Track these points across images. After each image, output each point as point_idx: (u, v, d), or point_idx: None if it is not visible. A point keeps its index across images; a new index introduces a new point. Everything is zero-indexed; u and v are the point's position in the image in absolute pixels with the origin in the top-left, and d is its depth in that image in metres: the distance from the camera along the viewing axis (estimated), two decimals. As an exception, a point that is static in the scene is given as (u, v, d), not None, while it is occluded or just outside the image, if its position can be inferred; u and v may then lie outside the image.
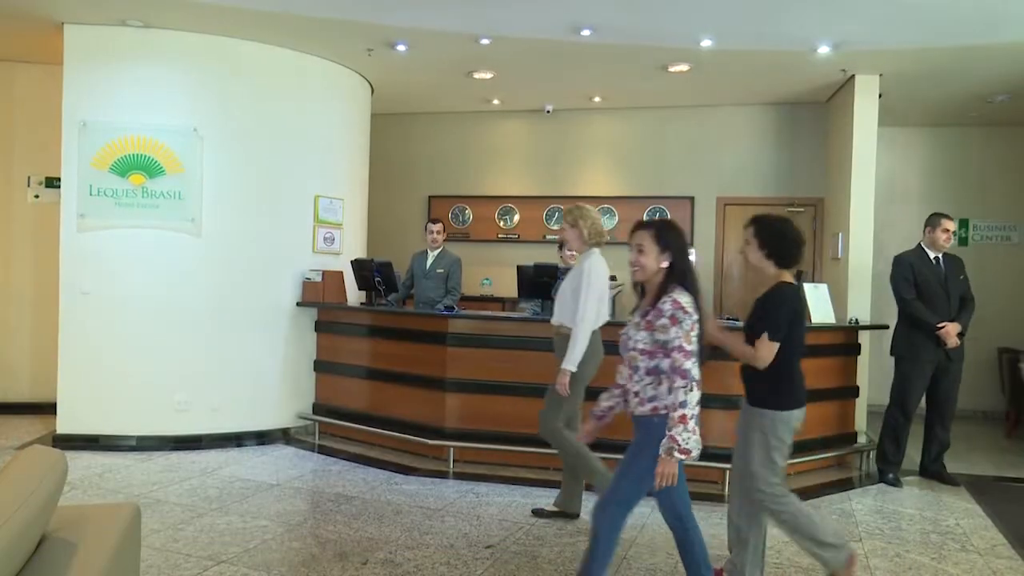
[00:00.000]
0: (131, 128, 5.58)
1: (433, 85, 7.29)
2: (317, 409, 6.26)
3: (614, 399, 2.91)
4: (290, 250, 6.12)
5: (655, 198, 7.95)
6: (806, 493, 4.91)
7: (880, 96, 6.39)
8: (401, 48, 5.98)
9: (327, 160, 6.42)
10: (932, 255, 5.17)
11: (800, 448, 5.26)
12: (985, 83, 6.47)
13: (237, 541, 3.76)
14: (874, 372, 6.23)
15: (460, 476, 5.08)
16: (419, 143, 8.66)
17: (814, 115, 7.52)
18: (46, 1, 5.15)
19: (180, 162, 5.66)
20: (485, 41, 5.80)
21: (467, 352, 5.38)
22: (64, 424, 5.57)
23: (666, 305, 2.65)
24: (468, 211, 8.51)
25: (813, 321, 5.44)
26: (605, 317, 4.12)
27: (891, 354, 5.28)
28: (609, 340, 3.86)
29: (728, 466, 3.32)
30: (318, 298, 6.11)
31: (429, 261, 6.14)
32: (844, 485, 5.17)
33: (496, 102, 7.93)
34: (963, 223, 7.87)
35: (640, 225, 2.84)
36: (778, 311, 3.05)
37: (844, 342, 5.72)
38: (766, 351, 3.01)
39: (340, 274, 6.28)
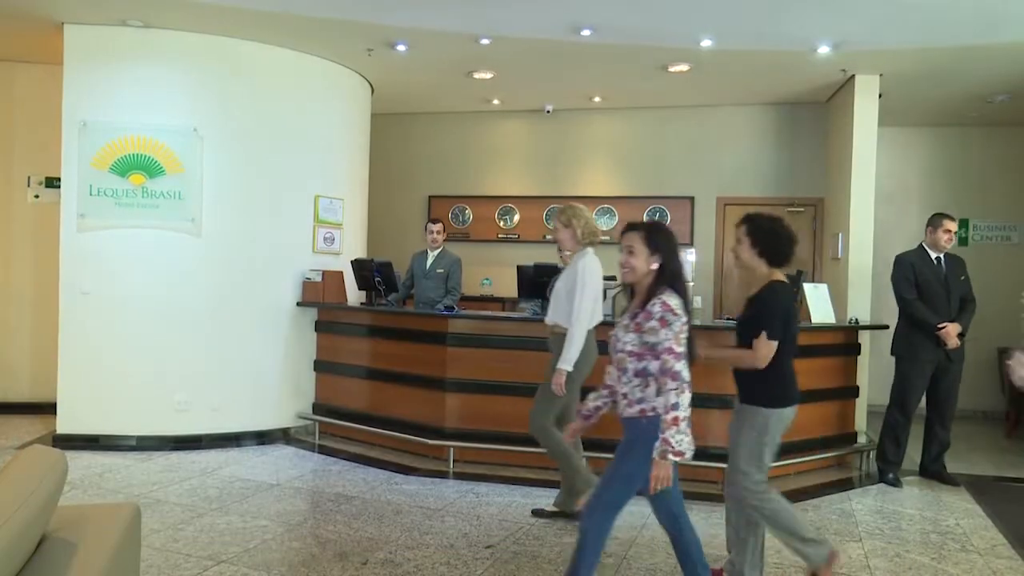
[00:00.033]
0: (131, 128, 5.58)
1: (433, 85, 7.29)
2: (317, 409, 6.26)
3: (602, 399, 2.92)
4: (290, 250, 6.12)
5: (655, 198, 7.95)
6: (806, 493, 4.91)
7: (880, 96, 6.39)
8: (401, 48, 5.99)
9: (327, 160, 6.42)
10: (934, 255, 5.17)
11: (800, 448, 5.29)
12: (985, 83, 6.47)
13: (237, 541, 3.76)
14: (874, 372, 6.23)
15: (460, 476, 5.08)
16: (419, 143, 8.66)
17: (814, 115, 7.52)
18: (46, 1, 5.15)
19: (180, 162, 5.66)
20: (485, 41, 5.80)
21: (467, 352, 5.38)
22: (64, 424, 5.57)
23: (655, 307, 2.65)
24: (468, 211, 8.51)
25: (813, 321, 5.45)
26: (600, 317, 4.12)
27: (891, 354, 5.29)
28: (604, 340, 3.86)
29: (726, 466, 3.33)
30: (318, 298, 6.11)
31: (429, 261, 6.14)
32: (844, 485, 5.17)
33: (496, 102, 7.93)
34: (963, 223, 7.87)
35: (631, 226, 2.84)
36: (774, 310, 3.06)
37: (844, 342, 5.72)
38: (766, 350, 3.02)
39: (340, 274, 6.29)
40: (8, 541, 1.54)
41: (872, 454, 5.56)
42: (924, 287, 5.10)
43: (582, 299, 3.93)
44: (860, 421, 5.97)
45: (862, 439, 5.91)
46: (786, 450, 5.16)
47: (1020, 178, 7.92)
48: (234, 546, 3.69)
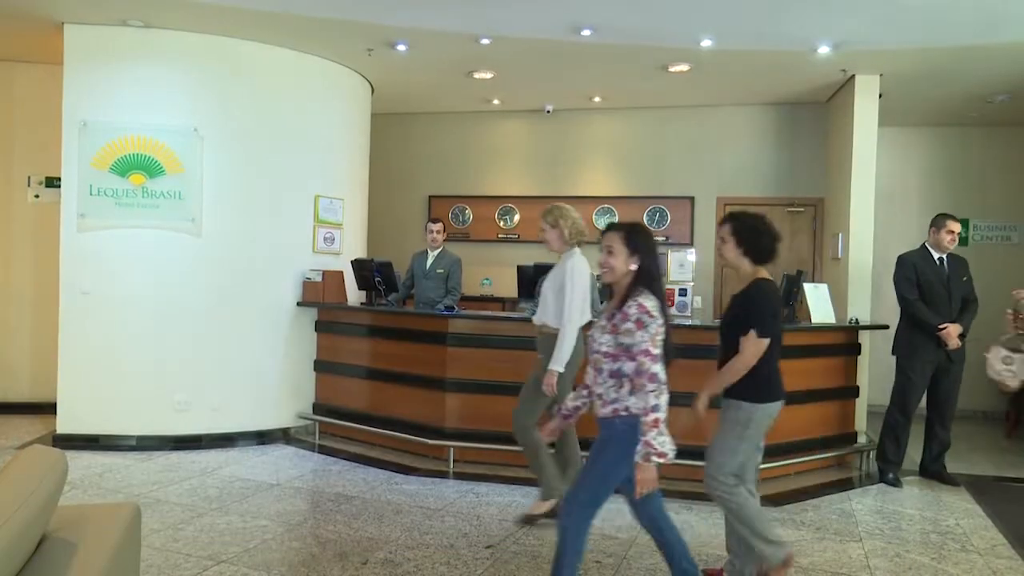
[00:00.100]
0: (131, 128, 5.58)
1: (433, 85, 7.29)
2: (317, 409, 6.26)
3: (581, 399, 2.93)
4: (290, 250, 6.12)
5: (655, 198, 7.95)
6: (806, 493, 4.92)
7: (880, 96, 6.39)
8: (401, 48, 5.99)
9: (327, 160, 6.42)
10: (936, 256, 5.17)
11: (800, 448, 5.30)
12: (985, 83, 6.47)
13: (237, 541, 3.76)
14: (874, 372, 6.23)
15: (460, 476, 5.08)
16: (419, 143, 8.66)
17: (814, 115, 7.52)
18: (46, 1, 5.15)
19: (180, 162, 5.66)
20: (485, 41, 5.80)
21: (467, 352, 5.38)
22: (64, 424, 5.57)
23: (631, 309, 2.65)
24: (468, 211, 8.51)
25: (813, 321, 5.46)
26: (587, 316, 4.13)
27: (892, 354, 5.29)
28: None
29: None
30: (318, 298, 6.11)
31: (429, 261, 6.14)
32: (844, 485, 5.17)
33: (496, 102, 7.93)
34: (963, 223, 7.85)
35: (611, 227, 2.85)
36: (763, 308, 3.07)
37: (844, 342, 5.72)
38: (755, 348, 3.03)
39: (340, 274, 6.29)
40: (8, 541, 1.54)
41: (872, 454, 5.57)
42: (926, 287, 5.10)
43: (571, 299, 3.93)
44: (860, 421, 5.97)
45: (862, 439, 5.92)
46: (786, 450, 5.20)
47: (1020, 178, 7.92)
48: (234, 546, 3.69)
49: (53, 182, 6.28)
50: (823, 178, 7.46)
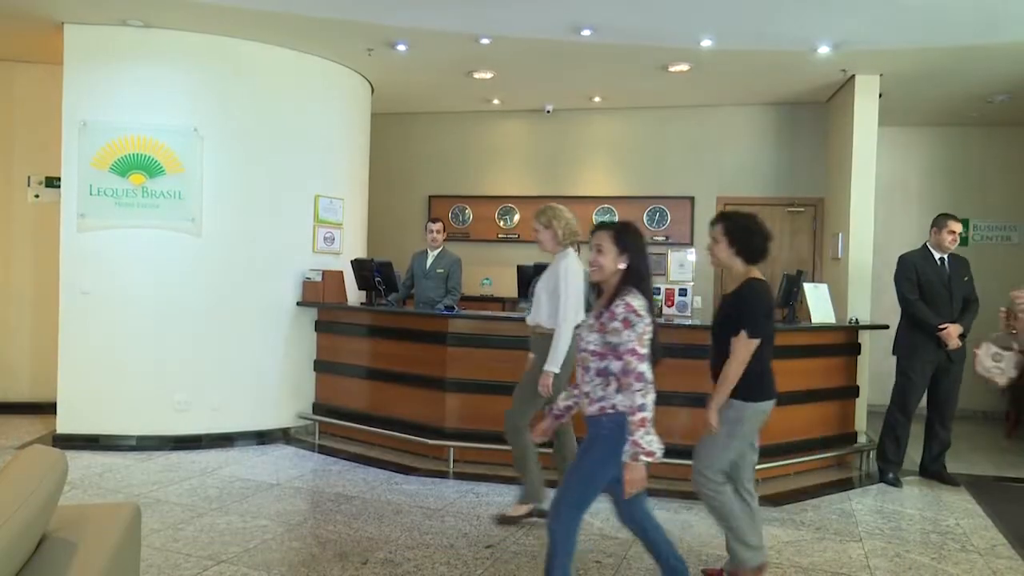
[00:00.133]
0: (131, 128, 5.58)
1: (433, 85, 7.29)
2: (317, 409, 6.26)
3: (572, 399, 2.93)
4: (290, 250, 6.12)
5: (655, 198, 7.95)
6: (806, 493, 4.92)
7: (880, 96, 6.39)
8: (401, 48, 5.98)
9: (327, 160, 6.42)
10: (937, 256, 5.17)
11: (800, 448, 5.30)
12: (985, 83, 6.47)
13: (237, 541, 3.76)
14: (874, 372, 6.23)
15: (460, 476, 5.08)
16: (419, 143, 8.66)
17: (814, 115, 7.52)
18: (46, 1, 5.15)
19: (180, 162, 5.66)
20: (485, 41, 5.80)
21: (467, 352, 5.38)
22: (64, 424, 5.57)
23: (619, 308, 2.65)
24: (468, 211, 8.51)
25: (813, 321, 5.46)
26: (581, 316, 4.12)
27: (893, 353, 5.29)
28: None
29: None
30: (318, 298, 6.11)
31: (429, 261, 6.14)
32: (844, 485, 5.17)
33: (496, 102, 7.93)
34: (963, 223, 7.84)
35: (600, 225, 2.85)
36: (755, 308, 3.07)
37: (844, 342, 5.72)
38: (746, 349, 3.04)
39: (340, 274, 6.29)
40: (8, 541, 1.54)
41: (872, 454, 5.57)
42: (926, 287, 5.10)
43: (566, 300, 3.92)
44: (860, 421, 5.97)
45: (862, 439, 5.92)
46: (786, 450, 5.20)
47: (1020, 178, 7.92)
48: (234, 546, 3.69)
49: (53, 182, 6.28)
50: (823, 178, 7.46)
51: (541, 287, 4.12)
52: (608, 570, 3.53)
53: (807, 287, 5.52)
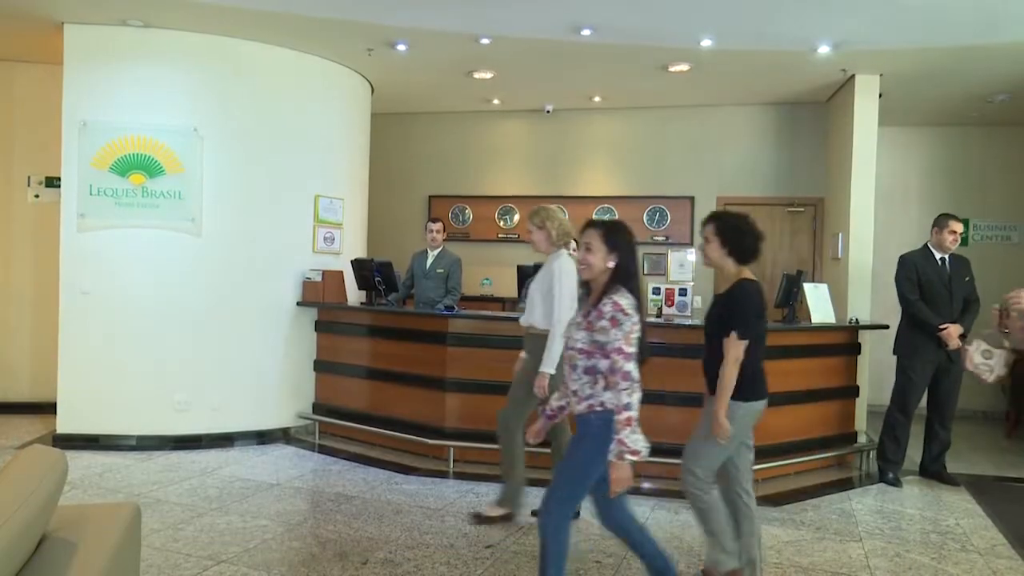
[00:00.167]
0: (131, 128, 5.58)
1: (433, 85, 7.29)
2: (317, 409, 6.26)
3: (565, 399, 2.93)
4: (290, 250, 6.12)
5: (655, 198, 7.95)
6: (806, 493, 4.92)
7: (880, 96, 6.39)
8: (401, 48, 5.98)
9: (327, 160, 6.42)
10: (938, 256, 5.17)
11: (800, 448, 5.30)
12: (985, 83, 6.47)
13: (237, 541, 3.76)
14: (874, 372, 6.23)
15: (460, 476, 5.08)
16: (419, 143, 8.66)
17: (814, 115, 7.52)
18: (46, 1, 5.15)
19: (180, 162, 5.66)
20: (485, 41, 5.80)
21: (467, 352, 5.38)
22: (64, 424, 5.57)
23: (606, 307, 2.65)
24: (468, 211, 8.51)
25: (813, 321, 5.46)
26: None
27: (893, 353, 5.29)
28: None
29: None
30: (318, 298, 6.11)
31: (429, 261, 6.14)
32: (844, 485, 5.17)
33: (496, 102, 7.93)
34: (963, 223, 7.86)
35: (590, 224, 2.85)
36: (745, 309, 3.07)
37: (844, 342, 5.72)
38: (737, 350, 3.04)
39: (340, 274, 6.29)
40: (8, 541, 1.54)
41: (872, 454, 5.57)
42: (927, 287, 5.10)
43: (560, 300, 3.92)
44: (860, 421, 5.97)
45: (862, 439, 5.92)
46: (786, 450, 5.20)
47: (1020, 178, 7.92)
48: (234, 546, 3.69)
49: (53, 182, 6.28)
50: (823, 178, 7.47)
51: (535, 288, 4.12)
52: (608, 570, 3.53)
53: (807, 287, 5.52)
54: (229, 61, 5.83)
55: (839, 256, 6.69)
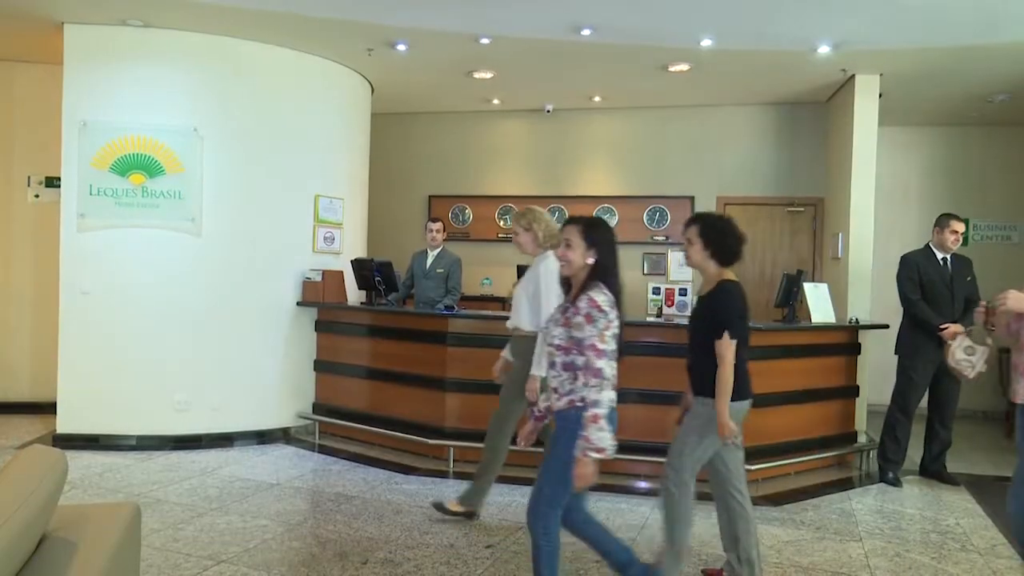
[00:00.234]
0: (131, 128, 5.58)
1: (433, 85, 7.29)
2: (317, 409, 6.26)
3: (551, 400, 2.92)
4: (290, 250, 6.12)
5: (655, 198, 7.95)
6: (806, 493, 4.92)
7: (880, 96, 6.39)
8: (401, 48, 5.99)
9: (327, 160, 6.42)
10: (940, 256, 5.17)
11: (800, 448, 5.30)
12: (985, 83, 6.47)
13: (237, 541, 3.76)
14: (874, 372, 6.23)
15: (460, 476, 5.08)
16: (419, 143, 8.66)
17: (814, 115, 7.52)
18: (46, 1, 5.15)
19: (180, 162, 5.66)
20: (485, 41, 5.80)
21: (467, 352, 5.38)
22: (64, 424, 5.57)
23: (582, 303, 2.65)
24: (468, 211, 8.51)
25: (813, 321, 5.46)
26: None
27: (895, 353, 5.30)
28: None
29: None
30: (318, 298, 6.11)
31: (429, 261, 6.14)
32: (844, 484, 5.18)
33: (496, 102, 7.93)
34: (964, 223, 7.87)
35: (570, 220, 2.85)
36: (731, 309, 3.09)
37: (844, 342, 5.72)
38: (729, 350, 3.05)
39: (340, 274, 6.29)
40: (8, 541, 1.54)
41: (872, 453, 5.57)
42: (928, 287, 5.11)
43: (548, 301, 3.90)
44: (860, 421, 5.97)
45: (862, 439, 5.92)
46: (786, 450, 5.21)
47: (1020, 178, 7.92)
48: (234, 546, 3.69)
49: (53, 182, 6.28)
50: (823, 178, 7.46)
51: (521, 290, 4.11)
52: (608, 570, 3.53)
53: (807, 287, 5.52)
54: (229, 61, 5.83)
55: (839, 256, 6.69)
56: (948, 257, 5.17)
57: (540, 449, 4.26)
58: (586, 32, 5.51)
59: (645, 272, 7.87)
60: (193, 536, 3.81)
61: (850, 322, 5.84)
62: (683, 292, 6.04)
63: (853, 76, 6.40)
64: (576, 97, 7.68)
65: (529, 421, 3.04)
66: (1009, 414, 7.17)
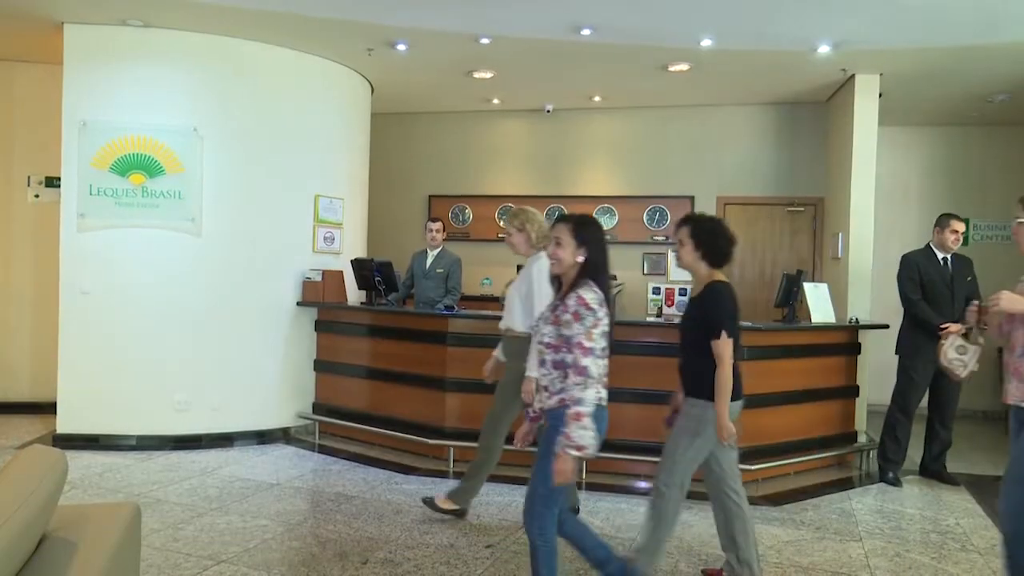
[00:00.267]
0: (131, 128, 5.58)
1: (433, 85, 7.29)
2: (317, 409, 6.26)
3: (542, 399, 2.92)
4: (290, 250, 6.12)
5: (655, 198, 7.95)
6: (806, 492, 4.92)
7: (880, 96, 6.39)
8: (401, 48, 5.99)
9: (327, 160, 6.42)
10: (940, 256, 5.18)
11: (800, 448, 5.30)
12: (985, 83, 6.47)
13: (237, 540, 3.76)
14: (874, 372, 6.23)
15: (460, 476, 5.05)
16: (419, 143, 8.66)
17: (814, 115, 7.52)
18: (46, 1, 5.15)
19: (180, 162, 5.66)
20: (485, 41, 5.80)
21: (467, 352, 5.38)
22: (64, 424, 5.57)
23: (571, 301, 2.66)
24: (468, 211, 8.51)
25: (813, 321, 5.46)
26: None
27: (896, 353, 5.30)
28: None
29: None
30: (318, 298, 6.11)
31: (429, 261, 6.14)
32: (844, 484, 5.18)
33: (496, 102, 7.93)
34: (964, 223, 7.88)
35: (560, 218, 2.85)
36: (724, 309, 3.10)
37: (844, 342, 5.72)
38: (728, 350, 3.06)
39: (340, 274, 6.29)
40: (8, 541, 1.54)
41: (872, 453, 5.57)
42: (928, 287, 5.11)
43: (541, 302, 3.89)
44: (860, 420, 5.97)
45: (862, 438, 5.92)
46: (786, 450, 5.21)
47: (1020, 178, 7.91)
48: (234, 546, 3.69)
49: (53, 182, 6.28)
50: (823, 178, 7.47)
51: (514, 290, 4.11)
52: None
53: (807, 287, 5.52)
54: (229, 61, 5.83)
55: (839, 256, 6.69)
56: (948, 257, 5.18)
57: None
58: (586, 32, 5.51)
59: (645, 272, 7.87)
60: (193, 536, 3.81)
61: (850, 322, 5.84)
62: (683, 292, 6.02)
63: (853, 76, 6.40)
64: (576, 97, 7.68)
65: (525, 422, 3.04)
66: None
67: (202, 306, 5.72)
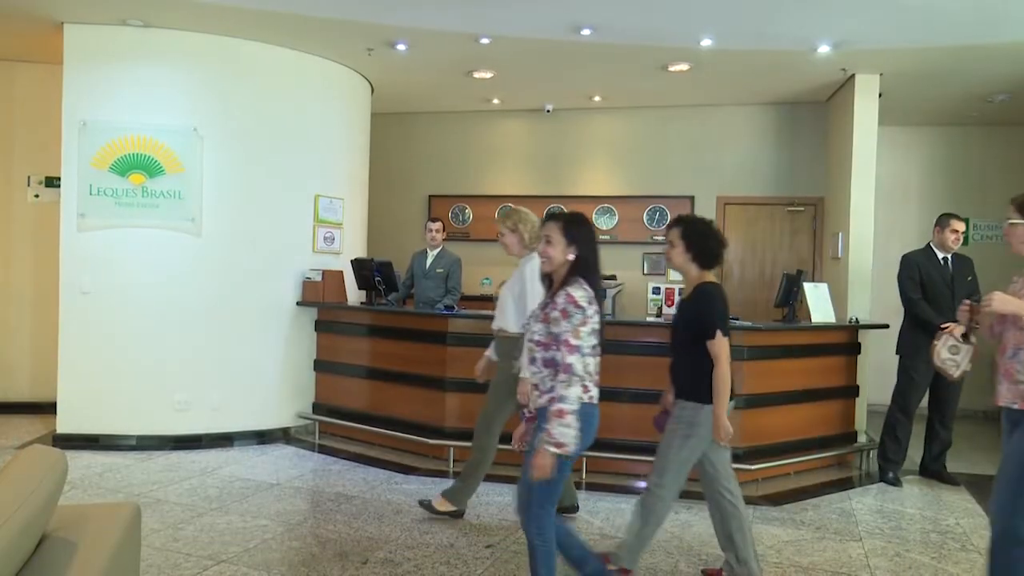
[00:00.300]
0: (131, 128, 5.58)
1: (433, 85, 7.29)
2: (317, 409, 6.26)
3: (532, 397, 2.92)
4: (290, 250, 6.12)
5: (655, 198, 7.95)
6: (806, 492, 4.92)
7: (880, 96, 6.39)
8: (401, 48, 5.98)
9: (327, 160, 6.42)
10: (941, 255, 5.18)
11: (800, 448, 5.30)
12: (985, 83, 6.47)
13: (237, 540, 3.76)
14: (874, 371, 6.23)
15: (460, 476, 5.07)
16: (419, 143, 8.66)
17: (814, 115, 7.52)
18: (46, 1, 5.15)
19: (180, 162, 5.66)
20: (485, 41, 5.80)
21: (467, 352, 5.37)
22: (64, 424, 5.57)
23: (560, 298, 2.66)
24: (468, 211, 8.52)
25: (813, 320, 5.46)
26: None
27: (896, 353, 5.30)
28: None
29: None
30: (318, 298, 6.11)
31: (429, 261, 6.14)
32: (844, 484, 5.18)
33: (496, 102, 7.93)
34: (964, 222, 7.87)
35: (550, 216, 2.86)
36: (716, 309, 3.11)
37: (844, 342, 5.72)
38: (724, 348, 3.06)
39: (340, 274, 6.29)
40: (8, 541, 1.54)
41: (872, 453, 5.57)
42: (929, 287, 5.11)
43: (533, 303, 3.89)
44: (860, 420, 5.97)
45: (862, 438, 5.92)
46: (786, 450, 5.21)
47: (1020, 178, 7.91)
48: (234, 546, 3.69)
49: (53, 182, 6.28)
50: (823, 177, 7.47)
51: (507, 291, 4.12)
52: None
53: (807, 287, 5.52)
54: (229, 61, 5.83)
55: (839, 256, 6.69)
56: (949, 257, 5.18)
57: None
58: (586, 32, 5.51)
59: (645, 272, 7.87)
60: (193, 536, 3.81)
61: (850, 322, 5.84)
62: (682, 292, 6.02)
63: (853, 76, 6.40)
64: (576, 97, 7.68)
65: (521, 423, 3.04)
66: (1009, 414, 7.17)
67: (202, 306, 5.72)
